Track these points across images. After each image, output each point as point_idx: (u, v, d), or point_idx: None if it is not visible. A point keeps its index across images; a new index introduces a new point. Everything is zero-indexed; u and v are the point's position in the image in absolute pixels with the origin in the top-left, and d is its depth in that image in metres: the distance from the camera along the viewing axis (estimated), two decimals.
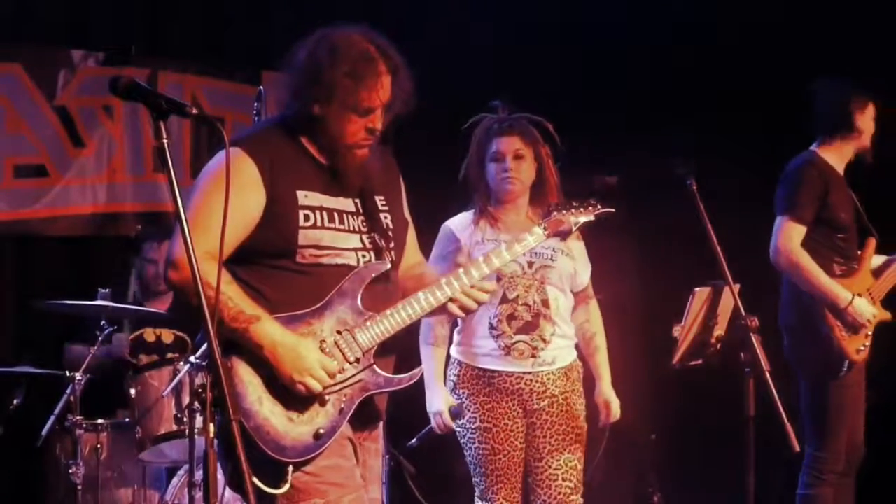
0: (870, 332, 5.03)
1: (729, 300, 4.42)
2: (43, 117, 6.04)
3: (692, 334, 4.68)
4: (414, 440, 5.03)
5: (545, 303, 4.37)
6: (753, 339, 4.17)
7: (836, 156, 5.20)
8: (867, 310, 5.01)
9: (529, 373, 4.36)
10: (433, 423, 4.44)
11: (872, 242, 5.19)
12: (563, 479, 4.39)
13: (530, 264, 4.37)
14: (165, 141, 2.55)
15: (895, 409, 6.16)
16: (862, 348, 5.04)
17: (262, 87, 4.67)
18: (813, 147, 5.24)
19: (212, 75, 6.55)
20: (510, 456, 4.37)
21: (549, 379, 4.38)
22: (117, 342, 5.35)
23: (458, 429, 4.42)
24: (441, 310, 3.17)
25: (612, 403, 4.52)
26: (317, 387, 2.96)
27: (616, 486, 6.15)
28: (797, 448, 4.05)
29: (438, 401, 4.37)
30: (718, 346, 4.60)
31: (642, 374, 4.68)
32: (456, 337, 4.49)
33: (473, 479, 4.47)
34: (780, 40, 6.43)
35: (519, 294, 4.35)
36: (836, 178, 5.17)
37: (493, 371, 4.37)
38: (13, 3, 6.00)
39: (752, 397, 4.23)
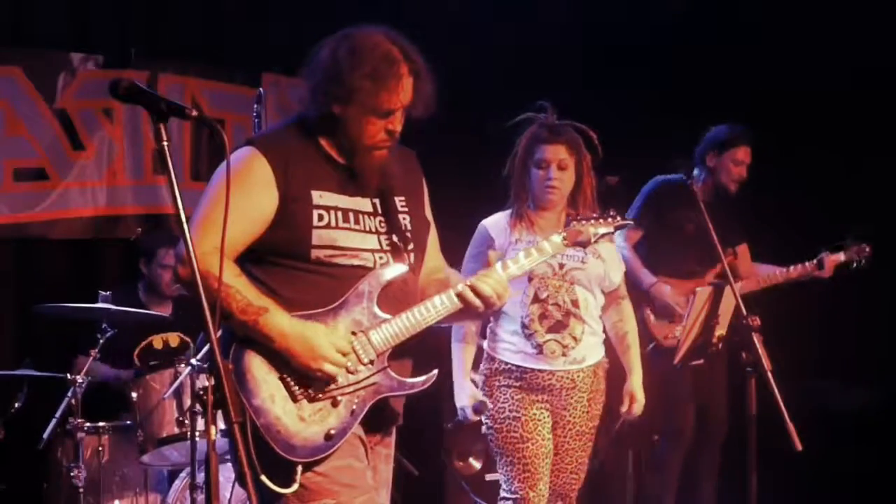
0: (685, 325, 4.92)
1: (730, 300, 4.42)
2: (43, 120, 6.03)
3: (694, 334, 4.68)
4: (450, 424, 5.33)
5: (575, 303, 4.42)
6: (755, 338, 4.17)
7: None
8: (670, 297, 5.42)
9: (561, 370, 4.42)
10: (459, 416, 4.53)
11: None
12: (571, 473, 4.51)
13: (561, 266, 4.41)
14: (165, 143, 2.54)
15: (895, 409, 6.17)
16: (671, 336, 5.31)
17: (261, 89, 4.68)
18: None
19: (212, 77, 6.54)
20: (538, 445, 4.42)
21: (578, 377, 4.45)
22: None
23: (485, 420, 4.49)
24: (457, 315, 3.14)
25: (637, 399, 4.58)
26: (334, 370, 2.96)
27: (618, 486, 6.14)
28: (800, 447, 4.05)
29: (464, 396, 4.46)
30: (720, 345, 4.60)
31: (645, 375, 4.68)
32: (489, 333, 4.55)
33: (500, 474, 4.50)
34: (780, 40, 6.44)
35: (549, 294, 4.40)
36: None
37: (526, 368, 4.42)
38: (13, 7, 5.99)
39: (753, 397, 4.23)
